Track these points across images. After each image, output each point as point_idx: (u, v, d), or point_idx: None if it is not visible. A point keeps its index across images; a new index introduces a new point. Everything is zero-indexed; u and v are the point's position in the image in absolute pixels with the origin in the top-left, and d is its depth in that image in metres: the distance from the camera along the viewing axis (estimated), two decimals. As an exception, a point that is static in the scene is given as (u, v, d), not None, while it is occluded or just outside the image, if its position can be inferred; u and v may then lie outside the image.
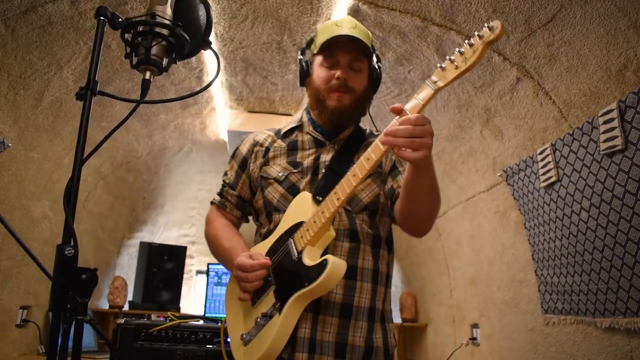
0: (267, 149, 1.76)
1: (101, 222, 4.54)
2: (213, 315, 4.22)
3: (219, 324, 2.70)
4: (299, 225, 1.52)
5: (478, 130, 3.16)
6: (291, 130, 1.80)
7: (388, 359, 1.59)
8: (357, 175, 1.39)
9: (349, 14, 2.61)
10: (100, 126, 3.34)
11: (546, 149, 2.59)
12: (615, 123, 2.07)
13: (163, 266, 4.70)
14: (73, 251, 1.16)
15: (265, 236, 1.68)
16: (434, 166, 1.42)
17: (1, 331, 3.21)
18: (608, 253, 2.22)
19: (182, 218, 5.41)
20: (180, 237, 5.36)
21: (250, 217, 1.89)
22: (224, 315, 1.72)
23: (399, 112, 1.31)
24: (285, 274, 1.51)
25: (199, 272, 5.32)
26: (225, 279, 4.69)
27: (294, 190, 1.64)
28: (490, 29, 1.20)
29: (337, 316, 1.53)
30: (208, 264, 4.76)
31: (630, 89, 2.02)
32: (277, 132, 1.82)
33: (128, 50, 1.38)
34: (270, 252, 1.59)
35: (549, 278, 2.71)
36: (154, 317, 3.08)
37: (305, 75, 1.74)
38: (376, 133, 1.81)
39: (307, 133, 1.76)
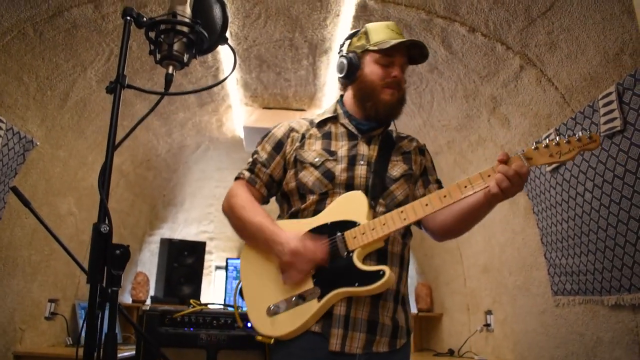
0: (303, 136, 1.86)
1: (123, 219, 4.69)
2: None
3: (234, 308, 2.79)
4: (350, 224, 1.64)
5: (485, 119, 3.25)
6: (324, 122, 1.90)
7: (409, 339, 1.74)
8: (430, 205, 1.58)
9: (357, 9, 2.72)
10: (122, 125, 3.44)
11: (550, 134, 2.67)
12: (614, 105, 2.16)
13: (183, 261, 4.81)
14: (108, 228, 1.26)
15: (294, 215, 1.79)
16: None
17: (31, 323, 3.35)
18: (612, 231, 2.31)
19: (200, 215, 5.54)
20: (200, 234, 5.48)
21: (272, 199, 1.95)
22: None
23: (507, 158, 1.51)
24: (330, 266, 1.61)
25: (217, 267, 5.44)
26: (244, 273, 4.80)
27: (329, 175, 1.75)
28: (590, 138, 1.45)
29: (369, 295, 1.64)
30: (227, 259, 4.88)
31: (627, 72, 2.11)
32: (311, 122, 1.92)
33: (152, 47, 1.49)
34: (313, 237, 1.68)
35: (557, 260, 2.79)
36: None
37: (355, 68, 1.83)
38: (402, 135, 1.97)
39: (342, 125, 1.88)
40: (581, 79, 2.40)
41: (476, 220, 1.73)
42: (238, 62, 3.36)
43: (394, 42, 1.76)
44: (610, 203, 2.29)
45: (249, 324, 1.73)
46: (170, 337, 2.68)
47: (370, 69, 1.81)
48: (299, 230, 1.68)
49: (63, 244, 1.96)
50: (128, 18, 1.43)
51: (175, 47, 1.45)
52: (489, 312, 3.81)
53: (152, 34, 1.48)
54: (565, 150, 1.45)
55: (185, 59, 1.48)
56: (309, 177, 1.77)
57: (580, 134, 1.45)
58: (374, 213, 1.68)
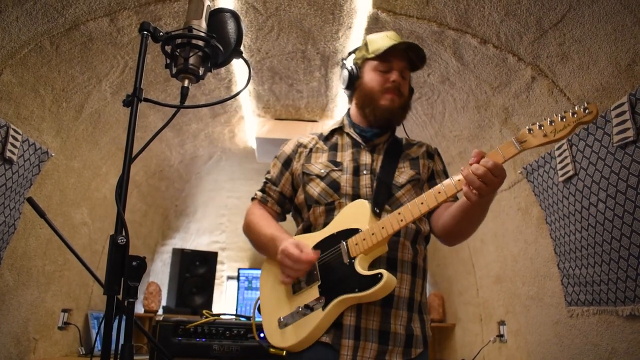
0: (310, 150, 1.92)
1: (135, 229, 4.72)
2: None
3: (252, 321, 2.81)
4: (354, 231, 1.64)
5: (497, 130, 3.25)
6: (332, 133, 1.96)
7: (426, 348, 1.70)
8: (425, 204, 1.55)
9: (368, 22, 2.74)
10: (135, 136, 3.51)
11: (563, 144, 2.67)
12: (627, 116, 2.15)
13: (195, 272, 4.84)
14: (125, 240, 1.28)
15: (306, 229, 1.83)
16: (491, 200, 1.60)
17: (45, 333, 3.37)
18: (625, 242, 2.29)
19: (212, 225, 5.56)
20: (211, 244, 5.51)
21: (288, 215, 2.02)
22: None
23: (481, 157, 1.46)
24: (334, 274, 1.63)
25: (229, 277, 5.45)
26: (256, 283, 4.82)
27: (334, 185, 1.78)
28: (585, 110, 1.36)
29: (379, 305, 1.63)
30: (239, 269, 4.90)
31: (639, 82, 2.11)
32: (320, 136, 1.98)
33: (168, 61, 1.52)
34: (319, 248, 1.69)
35: (571, 270, 2.77)
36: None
37: (355, 78, 1.90)
38: (413, 142, 1.99)
39: (347, 135, 1.92)
40: (593, 90, 2.40)
41: (475, 219, 1.71)
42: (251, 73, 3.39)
43: (387, 46, 1.79)
44: (623, 213, 2.28)
45: (262, 334, 1.75)
46: (183, 347, 2.69)
47: (369, 76, 1.85)
48: (309, 242, 1.71)
49: (79, 255, 1.99)
50: (145, 32, 1.46)
51: (191, 60, 1.47)
52: (502, 323, 3.78)
53: (168, 48, 1.50)
54: (560, 127, 1.39)
55: (200, 72, 1.50)
56: (315, 188, 1.81)
57: (575, 107, 1.39)
58: (378, 220, 1.66)
